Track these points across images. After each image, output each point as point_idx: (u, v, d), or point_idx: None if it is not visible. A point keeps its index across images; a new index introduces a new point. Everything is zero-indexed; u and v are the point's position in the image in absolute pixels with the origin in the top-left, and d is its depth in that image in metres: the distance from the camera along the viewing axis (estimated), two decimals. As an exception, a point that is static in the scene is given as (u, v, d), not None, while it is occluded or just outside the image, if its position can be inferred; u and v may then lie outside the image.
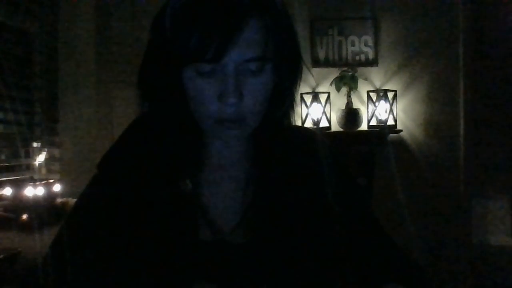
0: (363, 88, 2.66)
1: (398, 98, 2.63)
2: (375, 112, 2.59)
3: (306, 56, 2.68)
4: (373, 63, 2.71)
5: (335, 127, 2.64)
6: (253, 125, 0.68)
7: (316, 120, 2.57)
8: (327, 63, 2.72)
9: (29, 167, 2.19)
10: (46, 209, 1.76)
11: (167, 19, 0.64)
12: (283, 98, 0.72)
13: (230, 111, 0.64)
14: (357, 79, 2.59)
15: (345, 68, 2.61)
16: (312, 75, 2.57)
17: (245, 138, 0.73)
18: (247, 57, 0.63)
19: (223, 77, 0.63)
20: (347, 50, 2.72)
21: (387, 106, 2.57)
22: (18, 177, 2.06)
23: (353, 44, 2.72)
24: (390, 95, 2.59)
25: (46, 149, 2.25)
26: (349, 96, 2.61)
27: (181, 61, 0.64)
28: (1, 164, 2.05)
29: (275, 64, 0.66)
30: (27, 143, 2.15)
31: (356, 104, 2.66)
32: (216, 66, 0.63)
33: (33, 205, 1.73)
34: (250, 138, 0.74)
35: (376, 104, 2.58)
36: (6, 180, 1.97)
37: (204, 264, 0.67)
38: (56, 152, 2.33)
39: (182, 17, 0.63)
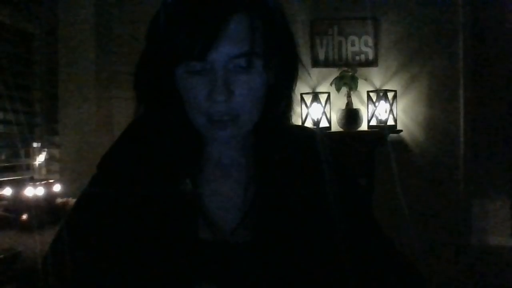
0: (363, 88, 2.66)
1: (398, 98, 2.63)
2: (375, 112, 2.59)
3: (306, 56, 2.69)
4: (373, 63, 2.71)
5: (335, 127, 2.64)
6: (247, 124, 0.68)
7: (316, 120, 2.57)
8: (327, 63, 2.72)
9: (29, 167, 2.19)
10: (46, 209, 1.76)
11: (160, 20, 0.65)
12: (281, 98, 0.73)
13: (220, 108, 0.64)
14: (357, 79, 2.59)
15: (345, 68, 2.61)
16: (309, 75, 2.57)
17: (244, 138, 0.73)
18: (234, 53, 0.63)
19: (212, 75, 0.64)
20: (347, 50, 2.72)
21: (387, 106, 2.57)
22: (18, 177, 2.06)
23: (353, 44, 2.72)
24: (390, 95, 2.59)
25: (46, 149, 2.25)
26: (349, 96, 2.61)
27: (172, 61, 0.65)
28: (1, 164, 2.05)
29: (266, 60, 0.66)
30: (27, 143, 2.15)
31: (356, 104, 2.66)
32: (205, 64, 0.63)
33: (33, 205, 1.73)
34: (250, 137, 0.74)
35: (376, 104, 2.58)
36: (6, 180, 1.98)
37: (204, 264, 0.67)
38: (56, 152, 2.33)
39: (171, 17, 0.64)
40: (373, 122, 2.62)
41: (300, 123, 2.57)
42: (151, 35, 0.68)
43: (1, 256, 1.36)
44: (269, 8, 0.67)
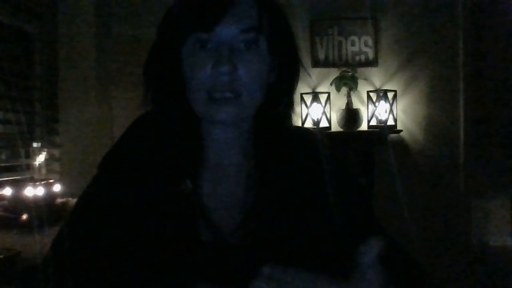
0: (363, 88, 2.66)
1: (398, 98, 2.63)
2: (375, 112, 2.59)
3: (306, 56, 2.68)
4: (373, 63, 2.71)
5: (335, 127, 2.64)
6: (248, 107, 0.68)
7: (316, 120, 2.57)
8: (327, 63, 2.72)
9: (29, 167, 2.19)
10: (46, 209, 1.76)
11: (173, 7, 0.69)
12: (282, 98, 0.73)
13: (223, 82, 0.65)
14: (357, 79, 2.59)
15: (345, 68, 2.61)
16: (309, 75, 2.57)
17: (244, 138, 0.73)
18: (241, 27, 0.65)
19: (217, 48, 0.66)
20: (347, 50, 2.72)
21: (387, 106, 2.57)
22: (18, 177, 2.06)
23: (353, 44, 2.72)
24: (390, 95, 2.59)
25: (46, 149, 2.25)
26: (349, 96, 2.61)
27: (181, 33, 0.67)
28: (1, 164, 2.05)
29: (270, 42, 0.67)
30: (27, 143, 2.15)
31: (356, 104, 2.66)
32: (212, 37, 0.65)
33: (33, 205, 1.73)
34: (251, 138, 0.74)
35: (376, 104, 2.58)
36: (6, 180, 1.97)
37: (205, 266, 0.67)
38: (56, 152, 2.33)
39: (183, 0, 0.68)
40: (373, 122, 2.62)
41: (300, 123, 2.57)
42: (163, 21, 0.71)
43: (1, 256, 1.36)
44: (274, 3, 0.71)
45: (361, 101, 2.68)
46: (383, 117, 2.57)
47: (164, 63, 0.70)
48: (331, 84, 2.61)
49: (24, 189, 1.79)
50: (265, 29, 0.67)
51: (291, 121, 0.77)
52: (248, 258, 0.68)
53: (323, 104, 2.57)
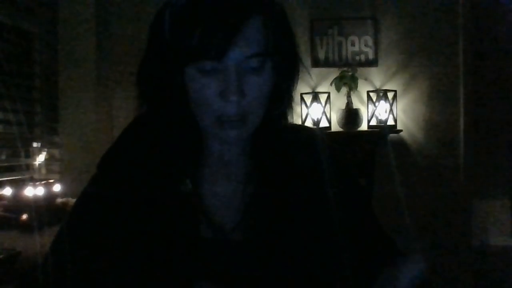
0: (363, 88, 2.65)
1: (398, 98, 2.63)
2: (375, 112, 2.59)
3: (306, 56, 2.68)
4: (373, 63, 2.71)
5: (335, 127, 2.64)
6: (254, 124, 0.69)
7: (316, 120, 2.57)
8: (327, 63, 2.72)
9: (29, 167, 2.19)
10: (46, 209, 1.76)
11: (167, 18, 0.65)
12: (282, 98, 0.73)
13: (232, 109, 0.64)
14: (357, 79, 2.59)
15: (345, 68, 2.61)
16: (310, 75, 2.57)
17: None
18: (248, 53, 0.63)
19: (225, 75, 0.63)
20: (347, 50, 2.72)
21: (387, 106, 2.57)
22: (18, 177, 2.06)
23: (353, 44, 2.72)
24: (390, 95, 2.59)
25: (46, 149, 2.25)
26: (349, 96, 2.61)
27: (183, 60, 0.64)
28: (1, 164, 2.05)
29: (275, 62, 0.67)
30: (27, 143, 2.15)
31: (356, 104, 2.66)
32: (218, 65, 0.63)
33: (33, 205, 1.73)
34: (250, 137, 0.74)
35: (376, 104, 2.58)
36: (6, 180, 1.97)
37: (205, 263, 0.67)
38: (56, 152, 2.33)
39: (183, 16, 0.63)
40: (373, 122, 2.61)
41: (300, 123, 2.57)
42: (157, 32, 0.67)
43: (1, 256, 1.37)
44: (276, 10, 0.68)
45: (361, 101, 2.68)
46: (383, 117, 2.57)
47: (162, 77, 0.68)
48: (331, 84, 2.61)
49: (24, 189, 1.79)
50: (271, 50, 0.65)
51: (290, 119, 0.77)
52: (248, 255, 0.68)
53: (323, 104, 2.57)
